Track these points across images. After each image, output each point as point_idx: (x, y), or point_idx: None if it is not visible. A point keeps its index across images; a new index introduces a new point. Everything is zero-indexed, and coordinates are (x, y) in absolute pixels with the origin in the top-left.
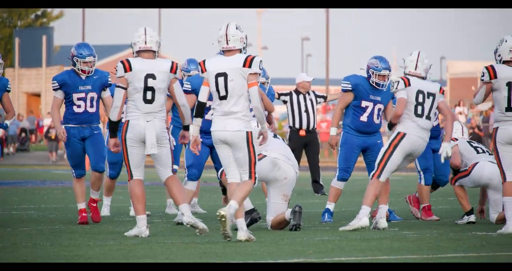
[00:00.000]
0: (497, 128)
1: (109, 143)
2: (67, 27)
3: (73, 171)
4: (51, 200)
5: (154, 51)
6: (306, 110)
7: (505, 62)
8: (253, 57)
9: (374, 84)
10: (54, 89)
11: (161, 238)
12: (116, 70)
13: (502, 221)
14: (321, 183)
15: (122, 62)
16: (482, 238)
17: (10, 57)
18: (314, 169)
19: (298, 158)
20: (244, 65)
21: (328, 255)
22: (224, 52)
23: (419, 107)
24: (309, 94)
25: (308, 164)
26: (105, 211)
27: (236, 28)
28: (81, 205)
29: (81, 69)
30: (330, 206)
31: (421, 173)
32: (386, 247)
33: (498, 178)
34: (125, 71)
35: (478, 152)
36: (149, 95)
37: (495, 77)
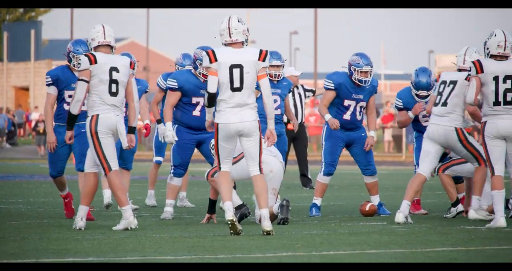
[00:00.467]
0: (485, 122)
1: (66, 135)
2: (56, 21)
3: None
4: (39, 194)
5: (112, 46)
6: (295, 105)
7: (492, 56)
8: (267, 51)
9: (356, 81)
10: (47, 85)
11: (149, 231)
12: (79, 64)
13: (491, 214)
14: (309, 176)
15: (86, 55)
16: (470, 232)
17: None
18: (303, 162)
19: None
20: (259, 59)
21: (317, 248)
22: (228, 45)
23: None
24: (297, 88)
25: (296, 158)
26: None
27: (238, 21)
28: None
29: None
30: (317, 201)
31: (417, 166)
32: (375, 241)
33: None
34: (90, 63)
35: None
36: (114, 88)
37: (482, 71)
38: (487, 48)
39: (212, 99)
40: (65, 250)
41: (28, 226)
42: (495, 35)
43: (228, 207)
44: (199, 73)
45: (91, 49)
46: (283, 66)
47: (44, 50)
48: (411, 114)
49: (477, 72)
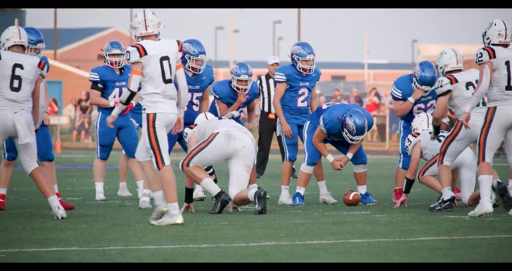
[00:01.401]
0: (494, 108)
1: None
2: (40, 10)
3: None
4: (23, 183)
5: (25, 47)
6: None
7: (493, 45)
8: (181, 42)
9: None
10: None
11: (132, 221)
12: None
13: (475, 201)
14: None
15: None
16: (454, 221)
17: None
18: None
19: (268, 141)
20: (178, 50)
21: (300, 238)
22: (143, 38)
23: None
24: None
25: (279, 147)
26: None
27: (153, 14)
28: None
29: None
30: (301, 190)
31: (401, 155)
32: (358, 230)
33: (471, 156)
34: None
35: (440, 141)
36: (16, 83)
37: (494, 56)
38: (487, 38)
39: (132, 97)
40: (48, 240)
41: (11, 216)
42: (495, 24)
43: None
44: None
45: (5, 49)
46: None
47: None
48: (411, 99)
49: (490, 58)
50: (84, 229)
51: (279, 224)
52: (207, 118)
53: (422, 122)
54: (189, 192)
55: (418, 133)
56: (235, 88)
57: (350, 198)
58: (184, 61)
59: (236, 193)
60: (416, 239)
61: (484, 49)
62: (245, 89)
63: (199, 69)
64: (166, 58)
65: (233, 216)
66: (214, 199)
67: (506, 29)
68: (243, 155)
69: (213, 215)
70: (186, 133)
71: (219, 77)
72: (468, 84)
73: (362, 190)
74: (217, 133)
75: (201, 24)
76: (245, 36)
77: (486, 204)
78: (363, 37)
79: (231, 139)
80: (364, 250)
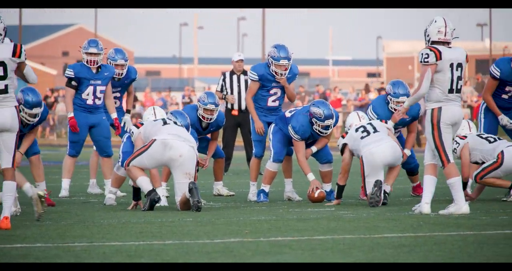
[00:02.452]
0: (439, 108)
1: None
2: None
3: None
4: None
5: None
6: (239, 91)
7: (433, 42)
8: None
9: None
10: None
11: (97, 218)
12: None
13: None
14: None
15: None
16: (419, 218)
17: None
18: (249, 148)
19: (232, 137)
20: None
21: (265, 234)
22: None
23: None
24: (244, 74)
25: (243, 144)
26: (63, 193)
27: None
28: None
29: None
30: (266, 188)
31: None
32: (323, 227)
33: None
34: None
35: (490, 142)
36: None
37: (441, 58)
38: (428, 35)
39: None
40: (14, 236)
41: None
42: (435, 21)
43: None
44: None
45: None
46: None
47: None
48: (390, 124)
49: (436, 59)
50: (49, 225)
51: (243, 221)
52: (155, 116)
53: (463, 128)
54: (136, 190)
55: (465, 136)
56: (200, 117)
57: (316, 195)
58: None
59: (181, 197)
60: (381, 236)
61: (430, 50)
62: (211, 119)
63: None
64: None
65: (198, 212)
66: (145, 197)
67: (446, 27)
68: (180, 164)
69: (177, 212)
70: (132, 132)
71: (183, 74)
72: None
73: (327, 187)
74: (155, 140)
75: (165, 21)
76: (209, 33)
77: (464, 206)
78: (327, 33)
79: (166, 148)
80: (328, 247)
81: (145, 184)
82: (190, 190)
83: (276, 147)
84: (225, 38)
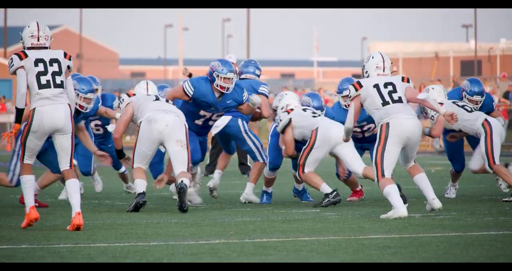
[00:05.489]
0: (387, 123)
1: None
2: None
3: None
4: None
5: None
6: None
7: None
8: None
9: (218, 88)
10: None
11: (82, 219)
12: None
13: None
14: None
15: None
16: (404, 219)
17: None
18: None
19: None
20: None
21: (250, 236)
22: None
23: None
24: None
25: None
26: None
27: None
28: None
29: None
30: (268, 189)
31: None
32: (308, 228)
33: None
34: None
35: (468, 111)
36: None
37: (361, 86)
38: (366, 71)
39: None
40: None
41: None
42: (373, 58)
43: None
44: (217, 86)
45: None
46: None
47: None
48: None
49: (356, 89)
50: (34, 226)
51: (228, 222)
52: (147, 92)
53: (440, 94)
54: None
55: (442, 103)
56: (218, 87)
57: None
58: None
59: (180, 170)
60: (366, 237)
61: (352, 85)
62: (228, 89)
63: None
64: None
65: (183, 214)
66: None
67: (384, 61)
68: (168, 132)
69: (163, 213)
70: (123, 99)
71: (168, 76)
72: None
73: (300, 186)
74: (140, 122)
75: (150, 22)
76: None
77: (401, 208)
78: (312, 34)
79: (151, 123)
80: (313, 248)
81: (139, 185)
82: (177, 192)
83: (272, 155)
84: (210, 40)
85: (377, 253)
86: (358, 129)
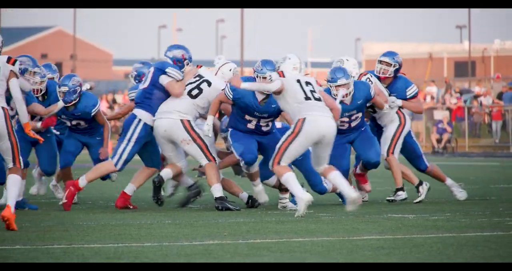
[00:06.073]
0: (304, 119)
1: None
2: None
3: None
4: None
5: None
6: None
7: None
8: None
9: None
10: None
11: (76, 220)
12: None
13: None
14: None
15: None
16: (397, 220)
17: None
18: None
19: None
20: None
21: (243, 237)
22: None
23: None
24: None
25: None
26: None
27: None
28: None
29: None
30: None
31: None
32: (301, 229)
33: None
34: None
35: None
36: None
37: (284, 76)
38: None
39: None
40: None
41: None
42: (289, 59)
43: None
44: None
45: None
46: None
47: None
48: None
49: (279, 77)
50: (28, 227)
51: (222, 223)
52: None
53: (354, 66)
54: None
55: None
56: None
57: None
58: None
59: (203, 164)
60: (360, 238)
61: (276, 72)
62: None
63: None
64: None
65: (176, 214)
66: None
67: (300, 63)
68: (170, 136)
69: (156, 214)
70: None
71: None
72: (298, 81)
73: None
74: None
75: (144, 23)
76: (188, 35)
77: (303, 195)
78: (306, 35)
79: (154, 131)
80: (307, 249)
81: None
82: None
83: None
84: (204, 40)
85: (371, 254)
86: (346, 119)
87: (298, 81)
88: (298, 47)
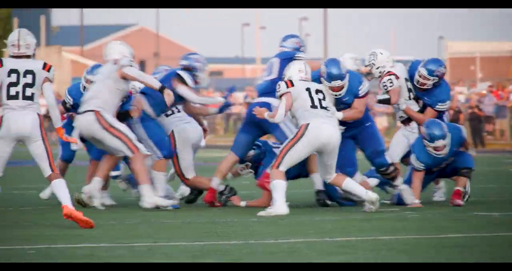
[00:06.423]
0: (307, 124)
1: None
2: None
3: None
4: (35, 180)
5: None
6: None
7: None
8: None
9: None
10: None
11: (161, 218)
12: None
13: None
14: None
15: None
16: (483, 218)
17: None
18: None
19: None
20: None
21: (329, 235)
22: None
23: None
24: None
25: None
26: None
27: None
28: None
29: None
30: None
31: None
32: (388, 227)
33: None
34: None
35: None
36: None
37: (293, 85)
38: (290, 77)
39: None
40: (79, 236)
41: (42, 212)
42: (294, 64)
43: None
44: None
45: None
46: None
47: (54, 37)
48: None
49: (287, 87)
50: (114, 225)
51: (307, 221)
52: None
53: (388, 59)
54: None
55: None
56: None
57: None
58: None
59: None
60: (446, 236)
61: (285, 82)
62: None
63: None
64: None
65: (262, 213)
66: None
67: (305, 66)
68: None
69: (241, 212)
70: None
71: (246, 74)
72: (307, 89)
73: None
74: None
75: (227, 21)
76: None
77: (282, 206)
78: (389, 33)
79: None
80: (393, 247)
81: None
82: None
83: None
84: None
85: (458, 250)
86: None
87: (308, 89)
88: (380, 45)
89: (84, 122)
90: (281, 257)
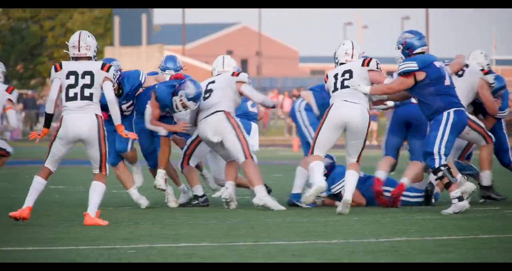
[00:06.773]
0: (331, 106)
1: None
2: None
3: None
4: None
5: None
6: None
7: (341, 64)
8: None
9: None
10: None
11: (262, 217)
12: None
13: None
14: None
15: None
16: None
17: (110, 36)
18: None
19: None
20: None
21: (430, 233)
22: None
23: None
24: None
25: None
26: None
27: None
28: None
29: None
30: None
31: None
32: (488, 226)
33: None
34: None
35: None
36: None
37: (328, 78)
38: (336, 58)
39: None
40: (177, 235)
41: (141, 212)
42: (344, 44)
43: None
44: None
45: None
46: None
47: (155, 36)
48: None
49: (325, 82)
50: (214, 224)
51: (409, 220)
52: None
53: (486, 57)
54: None
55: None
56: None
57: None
58: None
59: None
60: None
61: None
62: None
63: None
64: None
65: (363, 212)
66: None
67: (353, 49)
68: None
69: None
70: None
71: None
72: (335, 75)
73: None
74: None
75: (329, 20)
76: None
77: (321, 182)
78: (490, 32)
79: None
80: (494, 246)
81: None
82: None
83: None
84: (390, 38)
85: None
86: None
87: (335, 76)
88: (482, 45)
89: (215, 122)
90: (381, 256)
